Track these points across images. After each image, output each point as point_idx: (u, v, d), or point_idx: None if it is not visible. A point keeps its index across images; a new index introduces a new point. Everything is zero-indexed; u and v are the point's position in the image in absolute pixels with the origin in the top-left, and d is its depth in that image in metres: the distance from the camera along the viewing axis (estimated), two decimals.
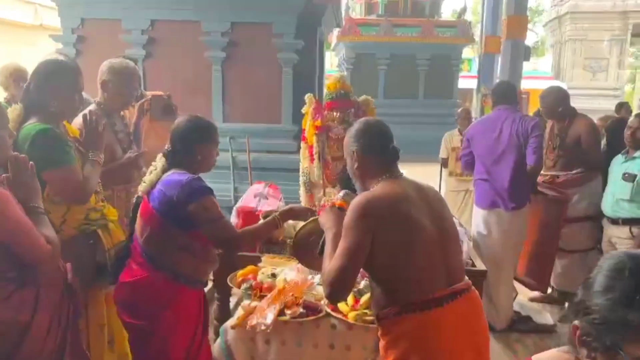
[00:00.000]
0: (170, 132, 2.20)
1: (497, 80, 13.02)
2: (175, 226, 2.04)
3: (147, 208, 2.10)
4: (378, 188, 1.86)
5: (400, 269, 1.76)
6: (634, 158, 3.55)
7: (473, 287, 1.90)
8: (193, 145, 2.15)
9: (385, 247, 1.74)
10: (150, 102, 3.35)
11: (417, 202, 1.82)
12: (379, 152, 1.91)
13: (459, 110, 6.22)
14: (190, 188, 2.02)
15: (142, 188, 2.18)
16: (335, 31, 12.94)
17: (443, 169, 6.23)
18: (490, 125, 3.74)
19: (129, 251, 2.18)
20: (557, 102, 4.03)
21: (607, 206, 3.65)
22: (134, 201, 2.26)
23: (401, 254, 1.75)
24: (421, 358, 1.75)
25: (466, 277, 1.91)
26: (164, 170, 2.16)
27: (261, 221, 2.35)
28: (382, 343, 1.89)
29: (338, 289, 1.73)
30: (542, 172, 3.99)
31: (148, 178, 2.18)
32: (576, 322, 1.02)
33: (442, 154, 6.04)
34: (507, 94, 3.80)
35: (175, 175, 2.07)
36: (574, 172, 3.99)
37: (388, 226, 1.74)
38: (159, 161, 2.20)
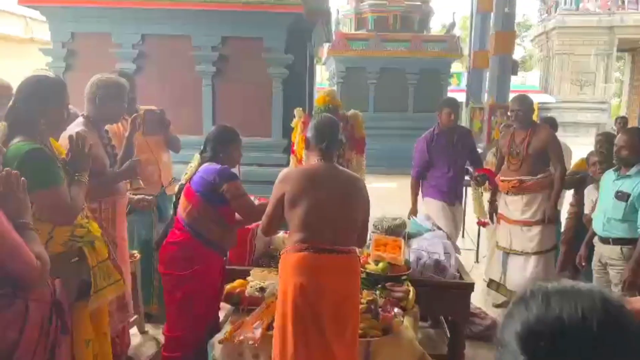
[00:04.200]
0: (205, 137, 2.95)
1: (486, 94, 13.20)
2: (210, 203, 2.74)
3: (190, 191, 2.78)
4: (305, 165, 2.69)
5: (295, 219, 2.41)
6: (628, 176, 3.33)
7: (353, 255, 2.48)
8: (218, 146, 2.85)
9: (289, 203, 2.42)
10: (143, 116, 3.37)
11: (325, 181, 2.45)
12: (318, 144, 2.52)
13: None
14: (224, 173, 2.74)
15: (184, 178, 2.89)
16: (326, 45, 13.04)
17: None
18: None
19: (172, 225, 2.89)
20: (531, 110, 4.31)
21: (598, 225, 3.48)
22: (177, 189, 2.96)
23: (297, 210, 2.40)
24: (296, 287, 2.32)
25: (356, 249, 2.52)
26: (200, 165, 2.83)
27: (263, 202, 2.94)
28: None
29: (264, 226, 2.59)
30: (505, 176, 4.33)
31: (189, 170, 2.87)
32: None
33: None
34: None
35: (211, 165, 2.77)
36: (538, 176, 4.22)
37: (293, 190, 2.42)
38: (195, 159, 2.90)
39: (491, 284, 4.55)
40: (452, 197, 4.59)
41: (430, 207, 4.57)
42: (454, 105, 4.61)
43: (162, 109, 3.65)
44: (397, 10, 14.12)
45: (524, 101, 4.30)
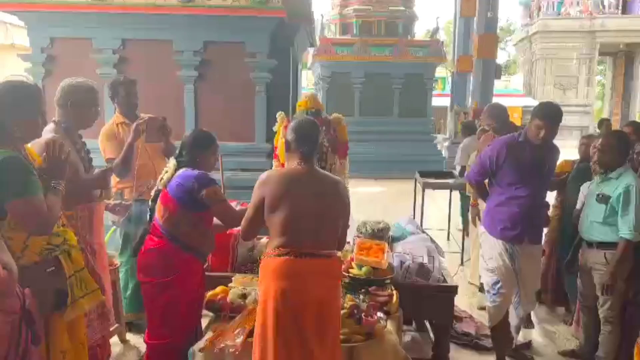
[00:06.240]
0: (181, 141, 2.87)
1: (470, 98, 13.28)
2: (187, 209, 2.70)
3: (167, 197, 2.73)
4: (285, 168, 2.64)
5: (276, 223, 2.39)
6: (609, 179, 3.34)
7: (335, 258, 2.48)
8: (194, 151, 2.79)
9: (269, 207, 2.40)
10: (146, 123, 3.36)
11: (305, 185, 2.43)
12: (299, 147, 2.49)
13: None
14: (203, 179, 2.69)
15: (161, 183, 2.79)
16: (311, 50, 13.04)
17: None
18: None
19: (149, 230, 2.81)
20: (506, 118, 4.35)
21: (583, 228, 3.49)
22: (153, 194, 2.84)
23: (277, 214, 2.38)
24: (277, 292, 2.31)
25: (337, 252, 2.53)
26: (176, 169, 2.77)
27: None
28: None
29: (244, 230, 2.56)
30: None
31: (166, 175, 2.79)
32: None
33: None
34: None
35: (189, 171, 2.72)
36: None
37: (273, 193, 2.40)
38: (171, 163, 2.83)
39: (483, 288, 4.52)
40: (517, 232, 3.37)
41: (484, 243, 3.56)
42: (549, 118, 3.27)
43: (165, 116, 3.63)
44: (381, 15, 14.17)
45: (495, 113, 4.28)
